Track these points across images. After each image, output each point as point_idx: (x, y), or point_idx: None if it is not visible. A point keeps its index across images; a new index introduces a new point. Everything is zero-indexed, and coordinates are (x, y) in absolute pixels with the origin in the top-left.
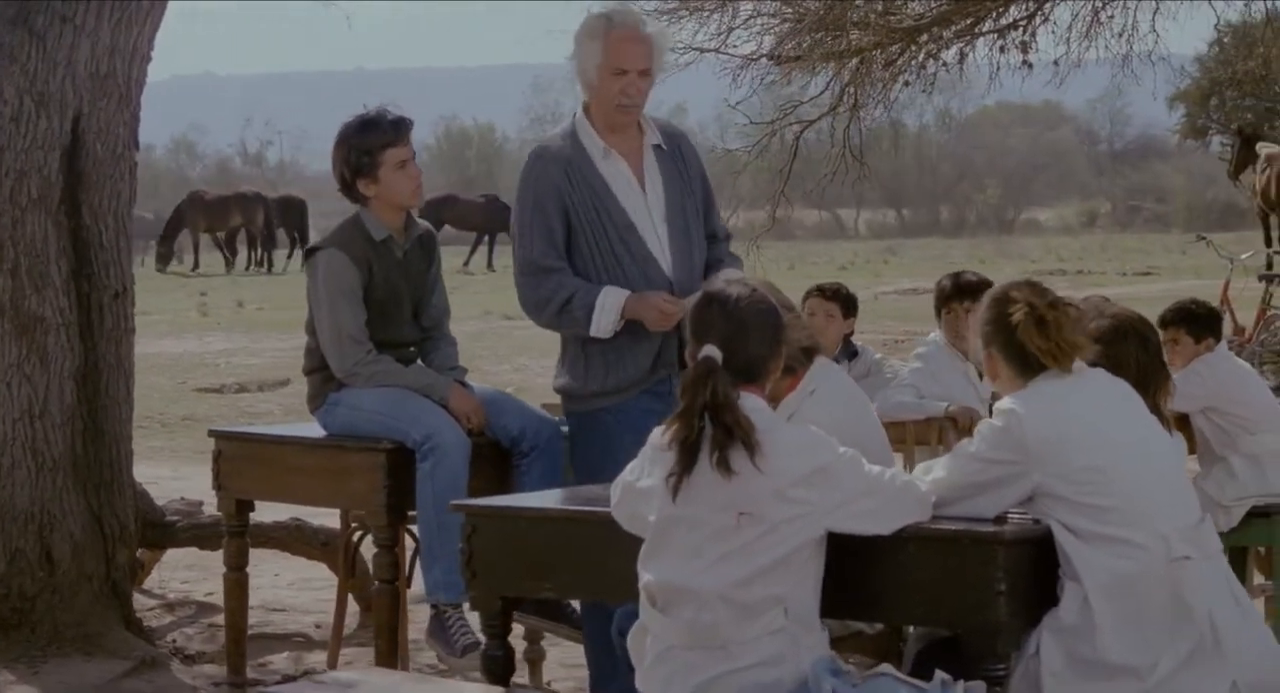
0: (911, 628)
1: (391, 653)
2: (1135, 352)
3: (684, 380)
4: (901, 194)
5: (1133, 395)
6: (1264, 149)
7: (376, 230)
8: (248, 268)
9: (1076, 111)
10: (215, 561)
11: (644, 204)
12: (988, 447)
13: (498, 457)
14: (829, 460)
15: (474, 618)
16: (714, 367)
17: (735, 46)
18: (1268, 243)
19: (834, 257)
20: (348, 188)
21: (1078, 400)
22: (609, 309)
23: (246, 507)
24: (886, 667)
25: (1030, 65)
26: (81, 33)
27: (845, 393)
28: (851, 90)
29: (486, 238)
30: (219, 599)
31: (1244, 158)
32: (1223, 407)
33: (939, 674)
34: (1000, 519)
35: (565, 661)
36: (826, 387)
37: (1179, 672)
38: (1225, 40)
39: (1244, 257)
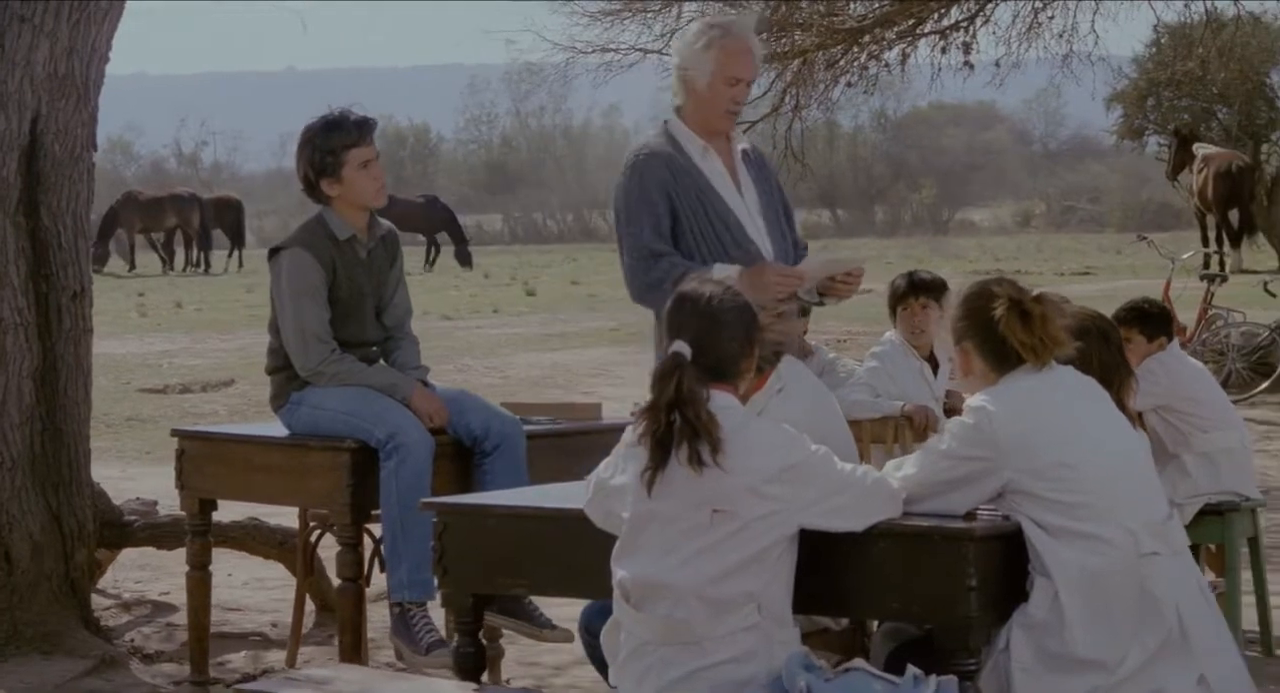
0: (876, 624)
1: (356, 650)
2: (1097, 349)
3: (653, 375)
4: (836, 194)
5: (1100, 392)
6: (1201, 149)
7: (340, 230)
8: (184, 269)
9: (1010, 112)
10: (167, 560)
11: (741, 199)
12: (959, 443)
13: (460, 456)
14: (802, 458)
15: (438, 616)
16: (682, 362)
17: None
18: (1204, 242)
19: None
20: (311, 188)
21: (1048, 397)
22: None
23: (209, 506)
24: (859, 662)
25: (971, 66)
26: (40, 33)
27: (812, 391)
28: (793, 91)
29: (424, 239)
30: (174, 599)
31: (1181, 158)
32: (1176, 405)
33: (911, 669)
34: (970, 515)
35: (523, 659)
36: (794, 385)
37: (1147, 666)
38: (1163, 41)
39: (1185, 256)
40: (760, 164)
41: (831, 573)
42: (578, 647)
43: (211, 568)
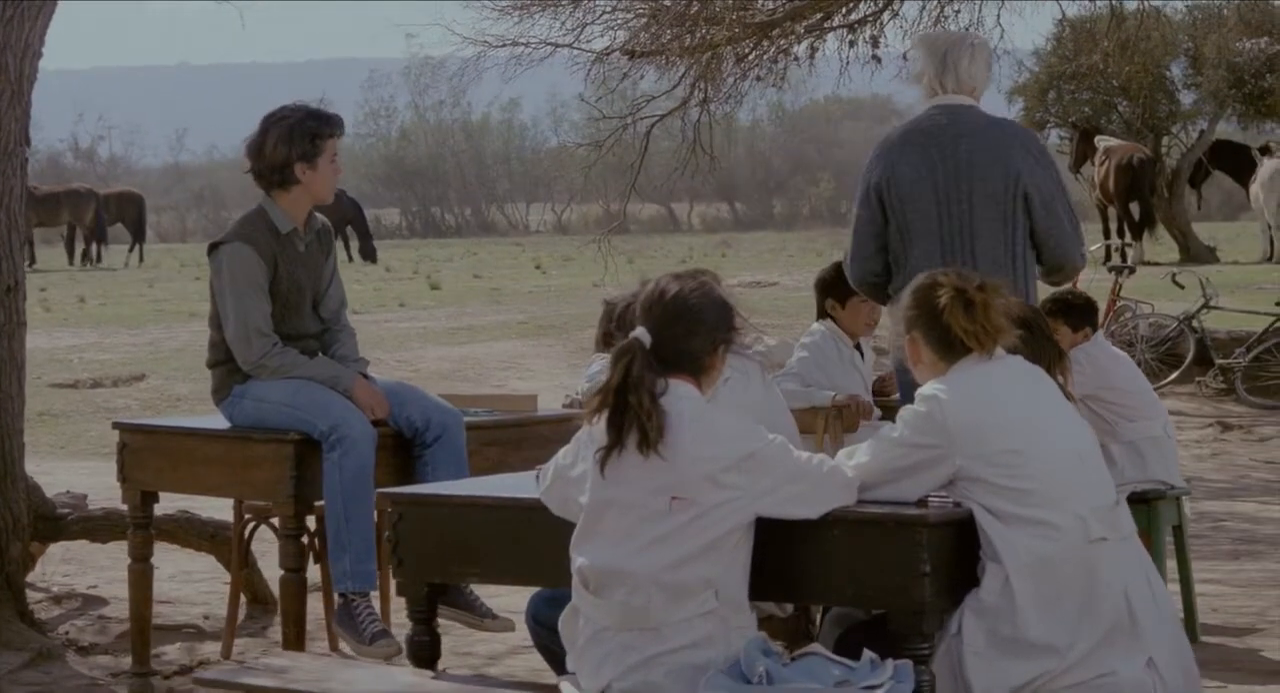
0: (820, 611)
1: (300, 640)
2: (1022, 338)
3: (609, 358)
4: (734, 188)
5: (1048, 381)
6: (1102, 142)
7: (282, 223)
8: (83, 264)
9: (906, 106)
10: (91, 553)
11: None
12: (910, 431)
13: (400, 447)
14: (760, 447)
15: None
16: (635, 348)
17: (589, 41)
18: (1106, 235)
19: (671, 250)
20: (279, 169)
21: (997, 385)
22: None
23: (151, 499)
24: (816, 646)
25: (879, 59)
26: None
27: (758, 380)
28: (702, 85)
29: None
30: (103, 592)
31: (1083, 151)
32: (1102, 395)
33: (867, 654)
34: (921, 503)
35: (458, 649)
36: (739, 375)
37: (1097, 650)
38: (1064, 35)
39: (1093, 249)
40: None
41: (787, 560)
42: (512, 637)
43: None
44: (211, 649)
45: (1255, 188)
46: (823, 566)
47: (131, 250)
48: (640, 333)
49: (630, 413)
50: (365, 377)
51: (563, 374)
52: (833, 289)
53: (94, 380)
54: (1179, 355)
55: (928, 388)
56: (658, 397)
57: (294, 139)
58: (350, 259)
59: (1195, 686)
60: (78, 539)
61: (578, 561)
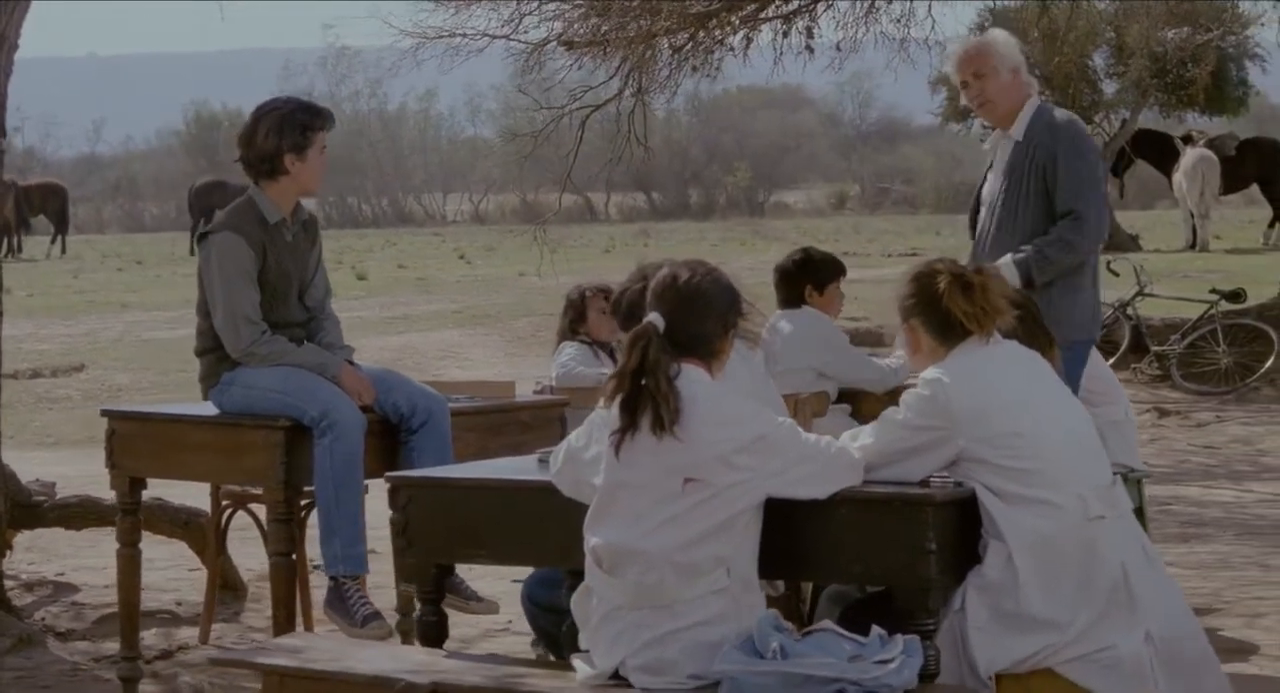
0: (811, 589)
1: (290, 623)
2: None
3: (625, 343)
4: (651, 177)
5: (1044, 364)
6: None
7: (271, 214)
8: (4, 255)
9: (818, 95)
10: (54, 541)
11: (990, 189)
12: (915, 414)
13: (386, 433)
14: (770, 429)
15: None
16: (650, 332)
17: (525, 32)
18: None
19: (592, 240)
20: (269, 159)
21: (996, 369)
22: None
23: (139, 485)
24: (827, 623)
25: (812, 50)
26: None
27: (749, 366)
28: (636, 75)
29: None
30: (72, 578)
31: None
32: None
33: (876, 630)
34: (924, 483)
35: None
36: (739, 358)
37: (1096, 624)
38: (987, 25)
39: None
40: (1025, 151)
41: (796, 539)
42: (489, 621)
43: (100, 548)
44: (188, 635)
45: (1178, 177)
46: (831, 544)
47: (54, 242)
48: (654, 318)
49: (645, 396)
50: (351, 364)
51: (501, 363)
52: (813, 275)
53: (33, 371)
54: (1114, 342)
55: (930, 372)
56: (673, 380)
57: (285, 130)
58: None
59: (1205, 654)
60: (54, 527)
61: (592, 540)
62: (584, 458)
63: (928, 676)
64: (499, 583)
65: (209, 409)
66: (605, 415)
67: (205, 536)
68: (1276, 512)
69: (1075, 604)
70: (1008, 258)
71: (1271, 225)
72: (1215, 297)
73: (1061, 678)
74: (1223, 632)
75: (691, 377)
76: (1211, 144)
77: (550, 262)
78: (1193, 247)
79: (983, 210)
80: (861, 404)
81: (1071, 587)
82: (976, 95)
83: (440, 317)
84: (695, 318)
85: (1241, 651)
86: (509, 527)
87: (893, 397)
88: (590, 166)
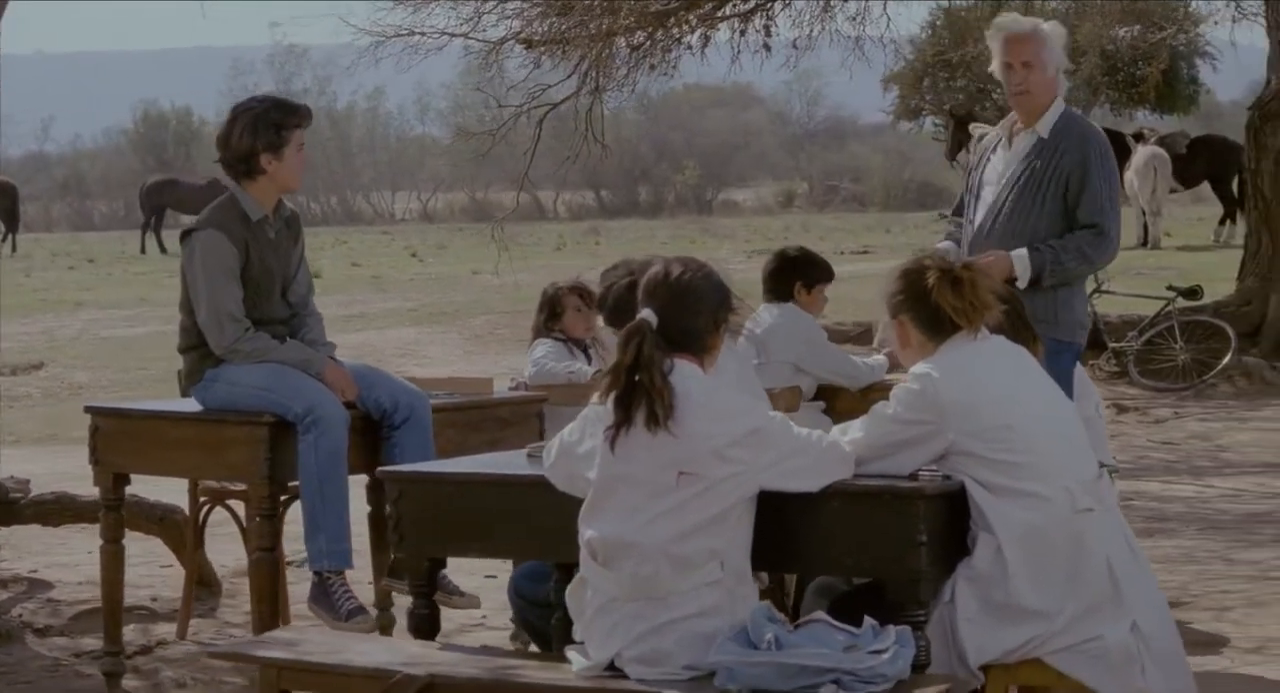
0: (795, 581)
1: (274, 619)
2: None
3: (619, 339)
4: (600, 175)
5: (1030, 359)
6: (977, 130)
7: (253, 211)
8: None
9: (767, 93)
10: (24, 538)
11: (998, 174)
12: (905, 408)
13: (368, 429)
14: (762, 423)
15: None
16: (644, 328)
17: (484, 30)
18: None
19: (543, 238)
20: (245, 159)
21: (984, 364)
22: None
23: (122, 481)
24: (819, 614)
25: (769, 48)
26: None
27: (736, 358)
28: (594, 73)
29: None
30: (45, 575)
31: (958, 139)
32: None
33: (868, 621)
34: (912, 476)
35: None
36: (727, 353)
37: (1084, 615)
38: (938, 23)
39: None
40: (1052, 149)
41: (789, 531)
42: (464, 615)
43: (70, 544)
44: (165, 630)
45: (1130, 174)
46: (823, 537)
47: (4, 240)
48: (647, 314)
49: (640, 391)
50: (334, 360)
51: (459, 361)
52: (805, 273)
53: None
54: None
55: (920, 367)
56: (666, 375)
57: (259, 130)
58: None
59: (1177, 645)
60: (31, 523)
61: (587, 533)
62: (578, 452)
63: (919, 666)
64: (472, 578)
65: (192, 406)
66: (599, 410)
67: (181, 532)
68: (1238, 507)
69: (1063, 595)
70: (1022, 252)
71: (1222, 222)
72: (1172, 293)
73: (1050, 668)
74: (1192, 625)
75: (685, 372)
76: (1163, 142)
77: (504, 260)
78: (1144, 244)
79: (983, 196)
80: (836, 401)
81: (1060, 578)
82: (1020, 82)
83: (397, 314)
84: (688, 314)
85: (1212, 644)
86: (501, 521)
87: (866, 395)
88: (542, 165)
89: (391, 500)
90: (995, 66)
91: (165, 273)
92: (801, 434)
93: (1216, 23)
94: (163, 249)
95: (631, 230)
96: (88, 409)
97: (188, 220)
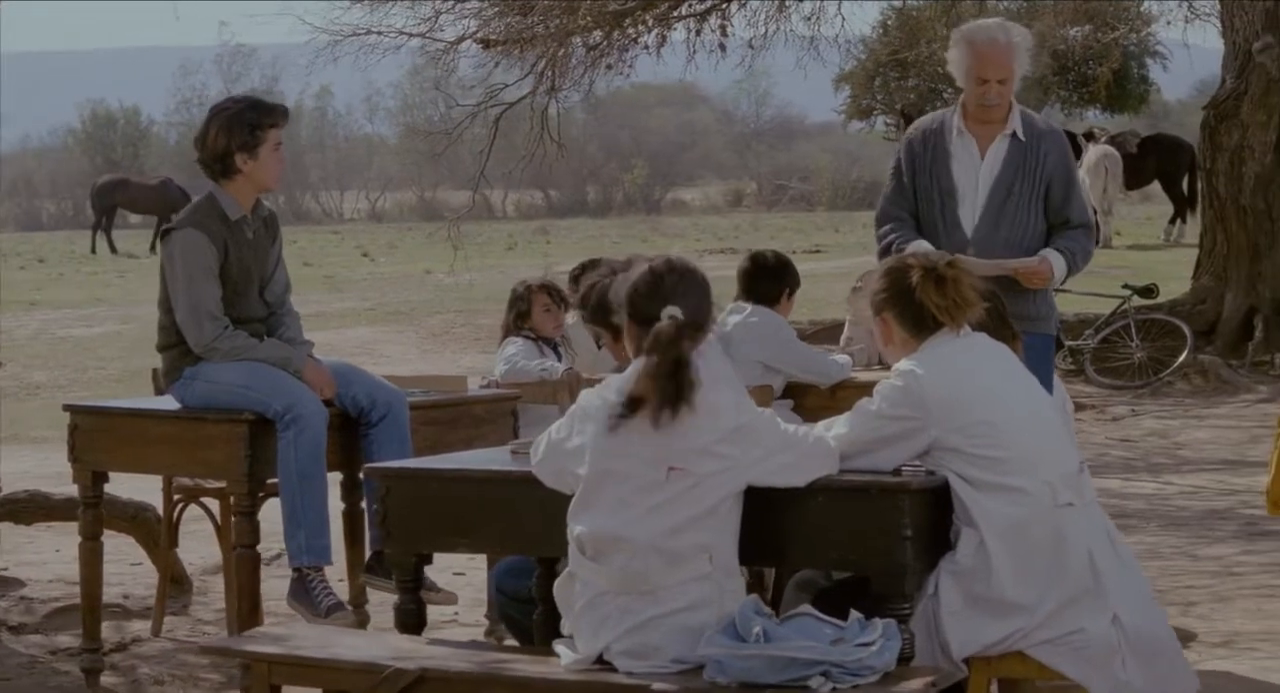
0: (774, 576)
1: (254, 615)
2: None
3: (659, 339)
4: (547, 175)
5: (1011, 356)
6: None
7: (232, 210)
8: None
9: (713, 93)
10: None
11: (975, 177)
12: (888, 405)
13: (345, 426)
14: (750, 419)
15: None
16: (684, 326)
17: (441, 30)
18: None
19: (493, 237)
20: (221, 159)
21: (968, 360)
22: None
23: (101, 478)
24: (807, 607)
25: (724, 48)
26: None
27: (719, 356)
28: (550, 73)
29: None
30: (15, 573)
31: None
32: None
33: (854, 614)
34: (896, 472)
35: (386, 624)
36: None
37: (1065, 608)
38: (890, 23)
39: None
40: (1031, 149)
41: (776, 526)
42: (435, 612)
43: (38, 543)
44: (140, 628)
45: (1081, 173)
46: (809, 531)
47: None
48: (675, 312)
49: (668, 389)
50: (312, 358)
51: (417, 360)
52: (791, 281)
53: None
54: None
55: (904, 364)
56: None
57: (233, 130)
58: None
59: (1164, 637)
60: (4, 521)
61: (576, 528)
62: (566, 448)
63: (903, 659)
64: (441, 576)
65: (171, 404)
66: (587, 407)
67: (153, 530)
68: (1198, 503)
69: (1045, 589)
70: (1052, 252)
71: (1172, 221)
72: (1128, 292)
73: (1032, 660)
74: None
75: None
76: (1113, 141)
77: (458, 259)
78: (1095, 243)
79: (963, 199)
80: (805, 399)
81: (1041, 572)
82: (995, 97)
83: (353, 314)
84: (706, 307)
85: (1179, 639)
86: (488, 517)
87: (835, 393)
88: (491, 164)
89: (379, 497)
90: (959, 73)
91: (116, 272)
92: (788, 430)
93: (1169, 23)
94: (113, 249)
95: (580, 230)
96: (66, 407)
97: (138, 220)
